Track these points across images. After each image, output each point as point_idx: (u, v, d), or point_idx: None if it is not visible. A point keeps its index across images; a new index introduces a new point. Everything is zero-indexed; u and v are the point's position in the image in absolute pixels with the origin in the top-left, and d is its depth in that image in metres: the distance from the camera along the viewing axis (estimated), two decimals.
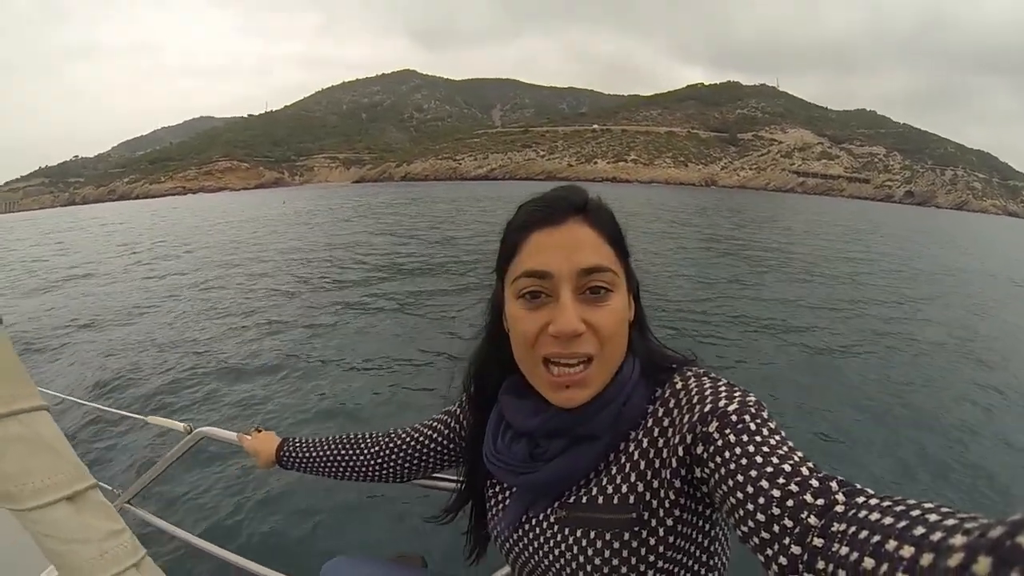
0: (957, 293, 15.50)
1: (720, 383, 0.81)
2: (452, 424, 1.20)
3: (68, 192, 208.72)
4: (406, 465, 1.26)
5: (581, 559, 0.85)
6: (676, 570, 0.84)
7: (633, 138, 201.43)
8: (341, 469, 1.33)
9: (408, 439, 1.25)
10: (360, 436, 1.34)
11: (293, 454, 1.40)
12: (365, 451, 1.30)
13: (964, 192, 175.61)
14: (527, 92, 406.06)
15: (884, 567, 0.41)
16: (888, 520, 0.46)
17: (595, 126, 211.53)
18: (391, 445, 1.27)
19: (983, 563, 0.32)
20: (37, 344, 9.48)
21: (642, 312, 0.97)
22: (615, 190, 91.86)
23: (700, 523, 0.84)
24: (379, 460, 1.28)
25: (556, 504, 0.91)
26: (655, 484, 0.81)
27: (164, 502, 4.36)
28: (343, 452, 1.33)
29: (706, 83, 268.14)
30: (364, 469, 1.30)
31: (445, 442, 1.22)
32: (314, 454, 1.37)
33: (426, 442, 1.23)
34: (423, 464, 1.26)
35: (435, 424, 1.24)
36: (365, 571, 1.30)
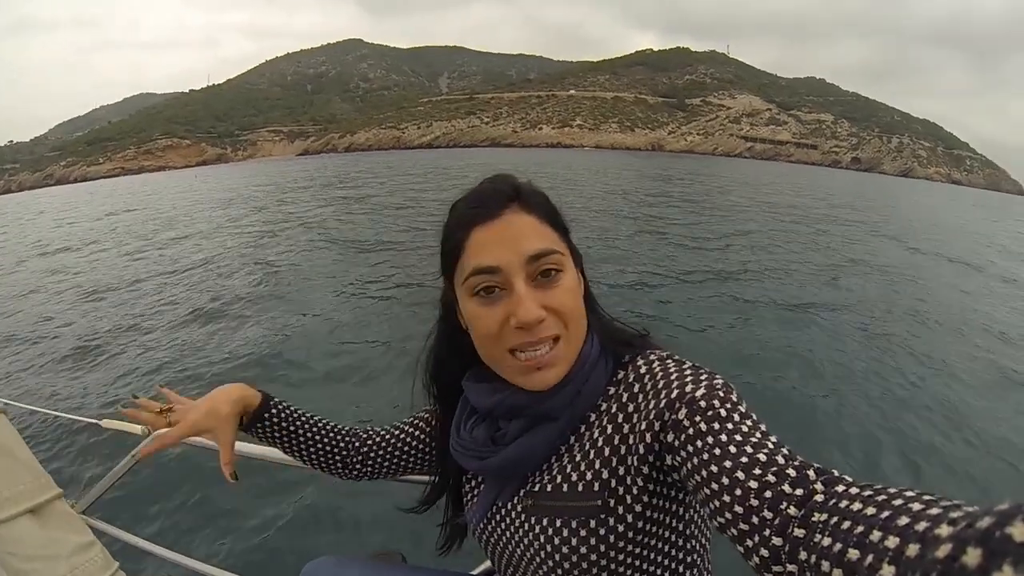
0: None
1: (686, 366, 0.80)
2: (432, 421, 1.19)
3: (3, 179, 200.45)
4: (385, 464, 1.23)
5: (549, 548, 0.84)
6: (650, 555, 0.83)
7: (579, 103, 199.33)
8: (325, 460, 1.25)
9: (389, 438, 1.23)
10: (343, 428, 1.28)
11: (280, 419, 1.22)
12: (347, 446, 1.25)
13: (909, 159, 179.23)
14: (475, 59, 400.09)
15: (869, 558, 0.41)
16: (870, 510, 0.45)
17: (539, 93, 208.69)
18: (370, 443, 1.24)
19: (973, 554, 0.31)
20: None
21: (588, 285, 0.97)
22: (558, 155, 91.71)
23: (673, 508, 0.83)
24: (359, 457, 1.24)
25: (523, 493, 0.91)
26: (620, 471, 0.80)
27: (125, 511, 4.01)
28: (334, 441, 1.25)
29: (655, 49, 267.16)
30: (349, 466, 1.25)
31: (425, 438, 1.20)
32: (300, 431, 1.24)
33: (406, 439, 1.21)
34: (402, 463, 1.23)
35: (415, 422, 1.22)
36: (347, 571, 1.25)
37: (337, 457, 1.24)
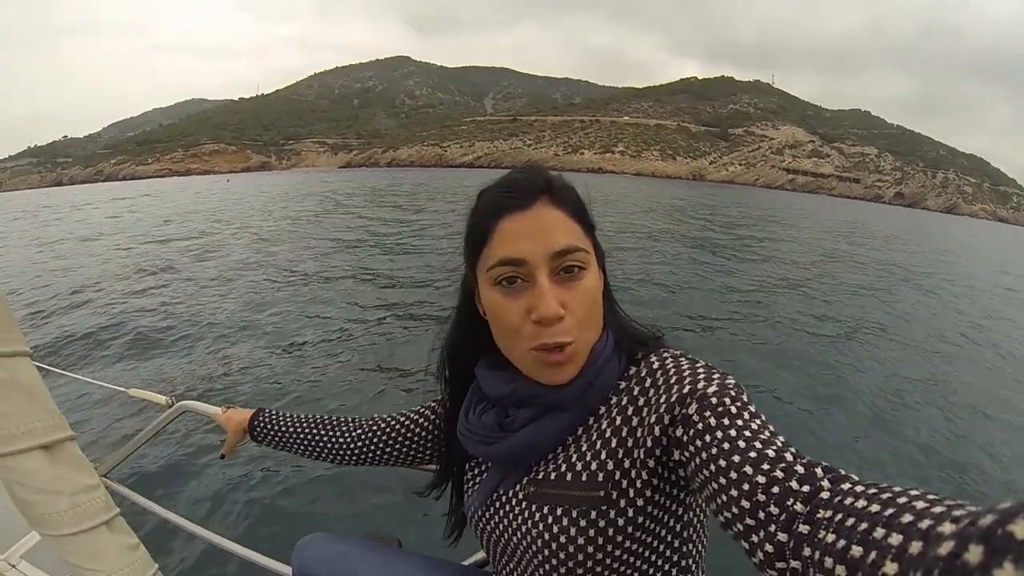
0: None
1: (698, 364, 0.80)
2: (439, 411, 1.19)
3: (56, 172, 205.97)
4: (387, 451, 1.26)
5: (547, 536, 0.84)
6: (644, 551, 0.83)
7: (622, 130, 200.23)
8: (318, 449, 1.32)
9: (394, 424, 1.25)
10: (341, 419, 1.33)
11: (267, 428, 1.38)
12: (346, 434, 1.29)
13: (954, 195, 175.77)
14: (521, 81, 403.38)
15: (872, 555, 0.41)
16: (875, 507, 0.45)
17: (583, 117, 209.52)
18: (374, 429, 1.26)
19: (974, 552, 0.31)
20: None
21: (608, 282, 0.97)
22: (599, 180, 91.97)
23: (673, 507, 0.83)
24: (359, 444, 1.27)
25: (525, 480, 0.91)
26: (626, 463, 0.80)
27: (142, 476, 4.34)
28: (322, 432, 1.32)
29: (700, 77, 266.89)
30: (343, 452, 1.29)
31: (431, 428, 1.22)
32: (290, 430, 1.35)
33: (412, 427, 1.23)
34: (405, 452, 1.25)
35: (422, 411, 1.23)
36: (339, 548, 1.27)
37: (329, 446, 1.30)
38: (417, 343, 7.86)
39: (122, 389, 1.96)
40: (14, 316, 1.04)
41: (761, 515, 0.55)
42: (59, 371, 2.52)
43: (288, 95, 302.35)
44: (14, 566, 1.88)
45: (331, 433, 1.31)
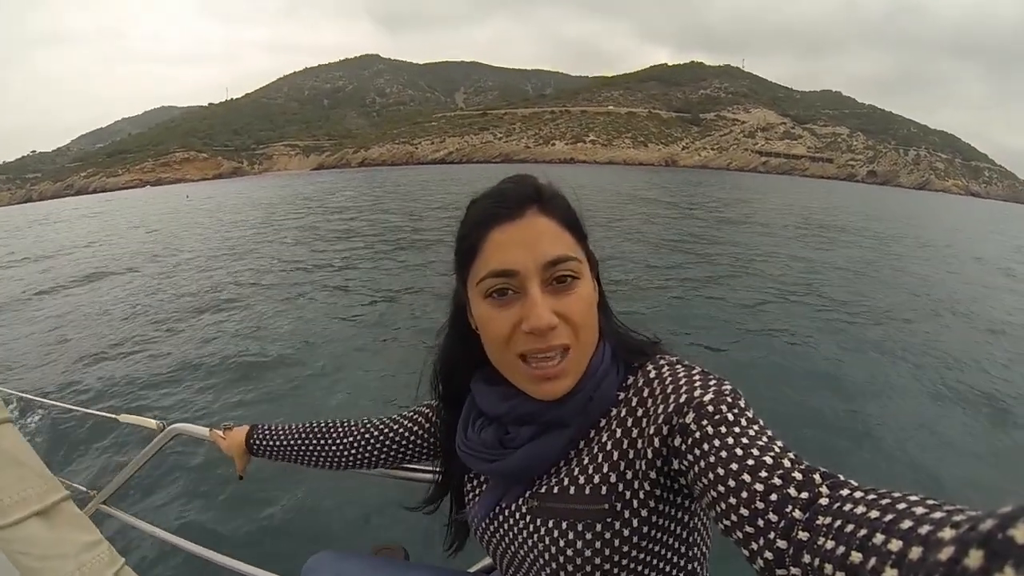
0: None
1: (695, 371, 0.80)
2: (432, 417, 1.20)
3: (25, 189, 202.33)
4: (381, 455, 1.26)
5: (553, 550, 0.84)
6: (654, 561, 0.83)
7: (592, 119, 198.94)
8: (314, 457, 1.33)
9: (385, 430, 1.26)
10: (334, 424, 1.34)
11: (264, 441, 1.39)
12: (340, 440, 1.30)
13: (926, 172, 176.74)
14: (492, 75, 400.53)
15: (872, 561, 0.41)
16: (874, 513, 0.45)
17: (553, 108, 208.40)
18: (367, 435, 1.27)
19: (975, 556, 0.31)
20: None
21: (603, 292, 0.97)
22: (571, 171, 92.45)
23: (678, 515, 0.83)
24: (354, 450, 1.28)
25: (528, 494, 0.90)
26: (628, 475, 0.80)
27: (141, 501, 4.40)
28: (316, 440, 1.32)
29: (670, 63, 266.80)
30: (338, 458, 1.30)
31: (423, 434, 1.22)
32: (286, 442, 1.36)
33: (404, 432, 1.24)
34: (398, 455, 1.26)
35: (414, 416, 1.24)
36: (348, 565, 1.28)
37: (325, 454, 1.30)
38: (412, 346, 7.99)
39: (112, 416, 1.96)
40: None
41: (760, 522, 0.55)
42: (50, 402, 2.55)
43: (258, 98, 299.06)
44: None
45: (325, 440, 1.31)
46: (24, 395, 2.48)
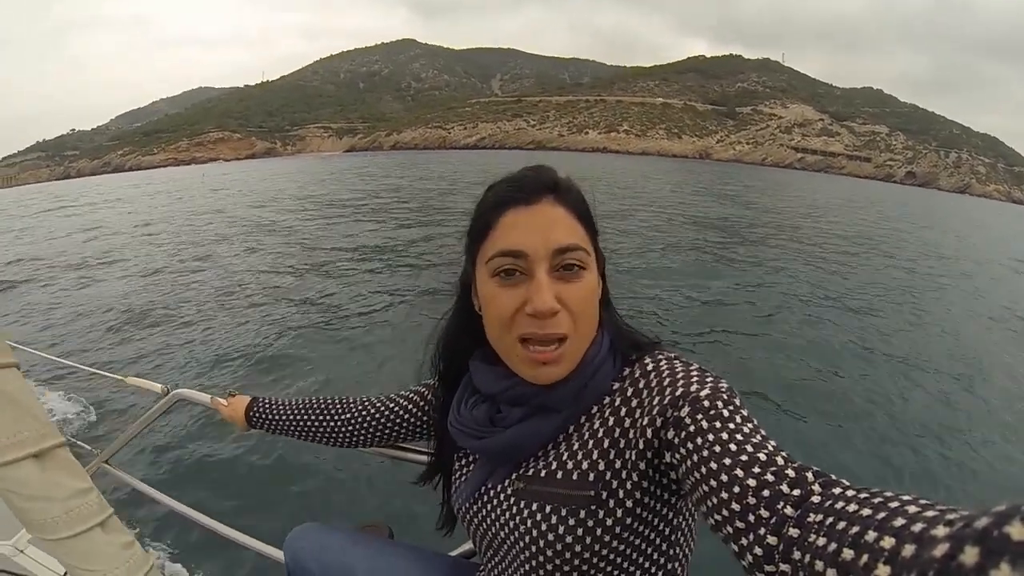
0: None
1: (692, 367, 0.81)
2: (428, 396, 1.22)
3: (64, 165, 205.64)
4: (377, 433, 1.29)
5: (535, 533, 0.84)
6: (631, 554, 0.83)
7: (627, 109, 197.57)
8: (311, 432, 1.35)
9: (382, 408, 1.28)
10: (332, 401, 1.36)
11: (262, 414, 1.42)
12: (337, 417, 1.32)
13: (967, 175, 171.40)
14: (528, 62, 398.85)
15: (864, 558, 0.40)
16: (866, 511, 0.45)
17: (588, 97, 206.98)
18: (364, 413, 1.29)
19: (970, 553, 0.31)
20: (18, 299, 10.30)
21: (608, 290, 0.98)
22: (602, 161, 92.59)
23: (662, 510, 0.83)
24: (351, 427, 1.30)
25: (515, 475, 0.91)
26: (617, 464, 0.81)
27: (141, 463, 4.60)
28: (314, 416, 1.34)
29: (708, 55, 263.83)
30: (335, 435, 1.33)
31: (419, 413, 1.24)
32: (284, 415, 1.38)
33: (400, 412, 1.26)
34: (394, 433, 1.28)
35: (410, 395, 1.26)
36: (331, 539, 1.31)
37: (325, 428, 1.33)
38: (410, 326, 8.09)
39: (119, 377, 1.99)
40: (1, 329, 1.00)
41: (751, 518, 0.55)
42: (58, 359, 2.57)
43: (294, 81, 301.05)
44: (22, 551, 1.93)
45: (323, 417, 1.33)
46: (36, 351, 2.53)
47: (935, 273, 15.80)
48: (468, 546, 1.34)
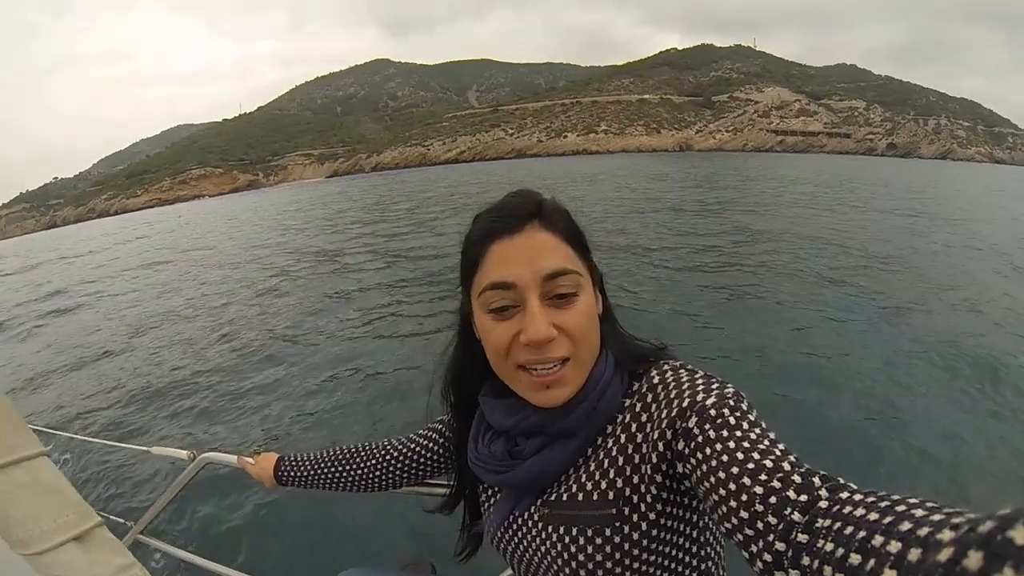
0: None
1: (697, 375, 0.81)
2: (445, 432, 1.23)
3: (49, 215, 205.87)
4: (403, 473, 1.31)
5: (567, 555, 0.85)
6: (665, 562, 0.84)
7: (604, 109, 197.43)
8: (339, 483, 1.37)
9: (404, 449, 1.30)
10: (356, 449, 1.38)
11: (291, 472, 1.45)
12: (363, 464, 1.34)
13: (948, 141, 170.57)
14: (503, 71, 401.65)
15: (871, 563, 0.41)
16: (873, 516, 0.45)
17: (564, 100, 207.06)
18: (387, 457, 1.31)
19: (974, 558, 0.32)
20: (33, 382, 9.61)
21: (609, 304, 0.99)
22: (579, 163, 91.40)
23: (688, 515, 0.84)
24: (377, 472, 1.33)
25: (539, 502, 0.92)
26: (635, 479, 0.81)
27: (176, 530, 4.56)
28: (340, 467, 1.36)
29: (680, 47, 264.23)
30: (362, 481, 1.35)
31: (439, 450, 1.26)
32: (311, 471, 1.41)
33: (420, 451, 1.28)
34: (419, 471, 1.31)
35: (429, 434, 1.28)
36: None
37: (352, 477, 1.36)
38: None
39: (145, 449, 2.03)
40: (24, 420, 1.10)
41: (760, 525, 0.56)
42: (84, 438, 2.64)
43: (271, 111, 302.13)
44: None
45: (349, 466, 1.35)
46: (57, 432, 2.41)
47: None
48: (508, 572, 1.32)
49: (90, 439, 2.45)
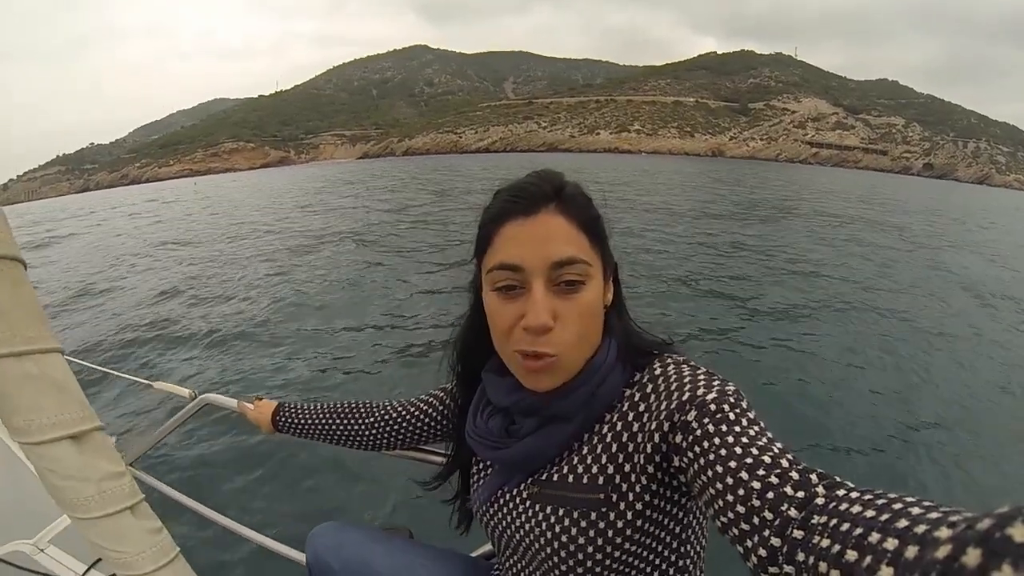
0: None
1: (699, 371, 0.81)
2: (446, 400, 1.24)
3: (83, 179, 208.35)
4: (399, 436, 1.32)
5: (549, 535, 0.87)
6: (644, 554, 0.85)
7: (638, 108, 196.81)
8: (336, 436, 1.39)
9: (404, 412, 1.30)
10: (355, 405, 1.39)
11: (289, 418, 1.46)
12: (361, 421, 1.35)
13: (986, 166, 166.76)
14: (541, 64, 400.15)
15: (868, 559, 0.41)
16: (870, 513, 0.45)
17: (598, 97, 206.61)
18: (386, 417, 1.32)
19: (972, 555, 0.31)
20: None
21: (621, 294, 0.98)
22: (610, 160, 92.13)
23: (673, 510, 0.84)
24: (375, 431, 1.34)
25: (529, 480, 0.93)
26: (627, 468, 0.82)
27: (165, 466, 4.62)
28: (339, 420, 1.38)
29: (719, 52, 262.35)
30: (359, 438, 1.36)
31: (438, 416, 1.27)
32: (310, 420, 1.42)
33: (420, 416, 1.28)
34: (415, 436, 1.31)
35: (430, 400, 1.29)
36: (351, 536, 1.34)
37: (349, 432, 1.37)
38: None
39: (147, 382, 2.03)
40: (46, 315, 1.10)
41: (755, 520, 0.55)
42: (88, 364, 2.59)
43: (306, 90, 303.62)
44: (43, 550, 1.95)
45: (348, 421, 1.37)
46: (67, 357, 2.38)
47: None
48: (487, 547, 1.35)
49: (94, 366, 2.49)
